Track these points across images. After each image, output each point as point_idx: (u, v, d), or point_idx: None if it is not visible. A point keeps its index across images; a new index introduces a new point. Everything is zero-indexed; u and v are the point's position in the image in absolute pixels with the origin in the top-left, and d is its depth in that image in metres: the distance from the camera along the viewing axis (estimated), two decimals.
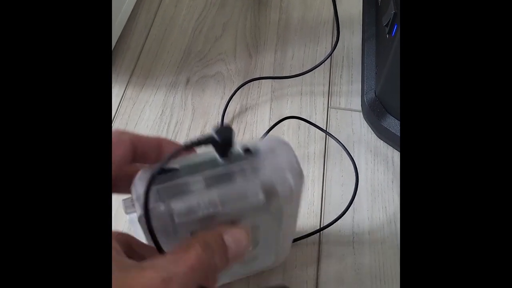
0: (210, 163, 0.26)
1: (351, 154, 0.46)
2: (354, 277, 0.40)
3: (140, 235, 0.26)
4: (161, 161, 0.23)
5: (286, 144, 0.28)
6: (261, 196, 0.26)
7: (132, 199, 0.25)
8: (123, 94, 0.51)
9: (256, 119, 0.50)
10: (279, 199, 0.27)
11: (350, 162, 0.45)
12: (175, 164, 0.26)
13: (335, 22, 0.50)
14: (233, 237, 0.23)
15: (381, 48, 0.48)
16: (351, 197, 0.43)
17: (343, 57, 0.55)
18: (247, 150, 0.27)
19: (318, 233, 0.42)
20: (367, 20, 0.54)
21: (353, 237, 0.42)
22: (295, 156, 0.28)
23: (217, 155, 0.26)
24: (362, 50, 0.54)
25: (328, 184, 0.45)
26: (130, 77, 0.53)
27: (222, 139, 0.25)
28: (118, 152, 0.24)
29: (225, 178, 0.26)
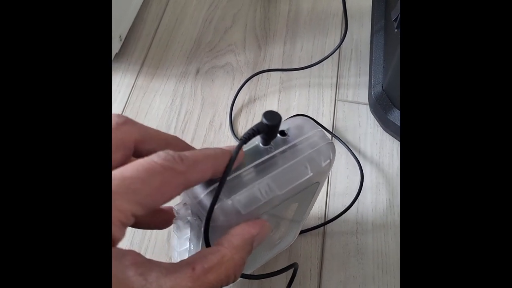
0: (252, 152, 0.27)
1: (356, 155, 0.47)
2: (357, 266, 0.41)
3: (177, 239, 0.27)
4: (227, 164, 0.24)
5: (309, 121, 0.29)
6: (310, 173, 0.27)
7: (185, 204, 0.25)
8: (134, 83, 0.52)
9: (264, 110, 0.51)
10: (321, 171, 0.28)
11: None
12: None
13: (344, 15, 0.50)
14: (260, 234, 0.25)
15: (389, 43, 0.48)
16: (356, 190, 0.44)
17: (351, 49, 0.56)
18: (281, 132, 0.28)
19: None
20: (376, 14, 0.54)
21: (357, 228, 0.43)
22: (321, 129, 0.29)
23: (258, 143, 0.27)
24: (370, 44, 0.54)
25: (333, 176, 0.46)
26: (141, 67, 0.54)
27: (273, 124, 0.25)
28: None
29: (271, 162, 0.27)
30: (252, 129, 0.25)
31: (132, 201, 0.20)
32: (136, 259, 0.21)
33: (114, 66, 0.53)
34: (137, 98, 0.51)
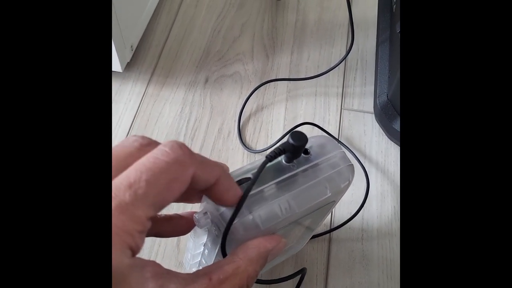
0: (275, 168, 0.27)
1: (362, 163, 0.48)
2: (362, 273, 0.42)
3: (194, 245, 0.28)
4: (250, 181, 0.25)
5: (332, 140, 0.30)
6: (329, 193, 0.28)
7: (205, 213, 0.26)
8: (144, 91, 0.53)
9: (272, 118, 0.52)
10: (339, 191, 0.29)
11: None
12: (243, 174, 0.27)
13: (350, 26, 0.51)
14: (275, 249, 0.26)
15: (394, 54, 0.49)
16: (361, 198, 0.45)
17: (357, 59, 0.57)
18: (305, 151, 0.29)
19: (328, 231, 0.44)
20: (381, 26, 0.55)
21: (362, 234, 0.44)
22: (343, 151, 0.30)
23: (281, 159, 0.28)
24: (376, 54, 0.55)
25: None
26: (151, 75, 0.55)
27: (299, 145, 0.26)
28: (174, 193, 0.22)
29: (293, 180, 0.27)
30: (278, 148, 0.26)
31: (143, 206, 0.21)
32: (156, 270, 0.22)
33: (125, 75, 0.54)
34: (148, 106, 0.52)
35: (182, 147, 0.22)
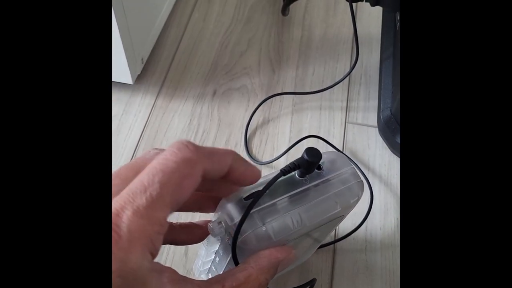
0: (288, 182, 0.28)
1: (366, 175, 0.49)
2: (365, 283, 0.43)
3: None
4: (260, 191, 0.26)
5: (343, 157, 0.31)
6: (339, 208, 0.29)
7: (219, 223, 0.27)
8: (154, 104, 0.55)
9: (278, 131, 0.53)
10: (348, 206, 0.30)
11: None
12: (258, 186, 0.28)
13: (354, 41, 0.53)
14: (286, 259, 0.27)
15: (397, 70, 0.51)
16: (365, 209, 0.46)
17: (361, 74, 0.58)
18: (318, 167, 0.29)
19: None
20: (385, 42, 0.57)
21: (366, 246, 0.45)
22: (354, 167, 0.31)
23: (294, 173, 0.29)
24: (379, 70, 0.57)
25: None
26: (160, 88, 0.56)
27: (313, 161, 0.27)
28: (188, 190, 0.23)
29: (305, 194, 0.28)
30: (293, 163, 0.27)
31: (160, 207, 0.21)
32: (173, 276, 0.23)
33: (135, 87, 0.56)
34: (157, 117, 0.54)
35: (189, 145, 0.23)
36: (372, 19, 0.64)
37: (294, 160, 0.27)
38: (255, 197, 0.26)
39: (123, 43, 0.48)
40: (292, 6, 0.63)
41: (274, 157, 0.50)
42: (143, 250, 0.21)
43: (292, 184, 0.28)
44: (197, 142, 0.51)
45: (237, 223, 0.26)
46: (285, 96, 0.56)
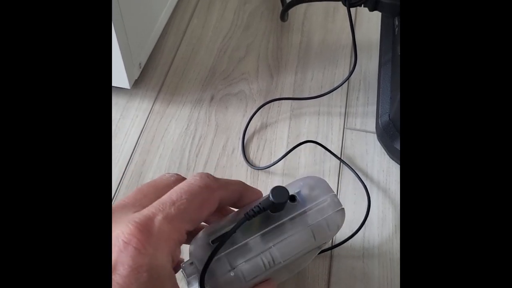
0: (261, 219, 0.28)
1: (364, 181, 0.48)
2: None
3: None
4: (225, 235, 0.27)
5: (323, 182, 0.30)
6: (314, 241, 0.28)
7: (191, 263, 0.27)
8: (151, 108, 0.55)
9: (276, 136, 0.53)
10: (326, 237, 0.29)
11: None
12: (226, 226, 0.28)
13: (353, 47, 0.53)
14: None
15: (395, 75, 0.50)
16: (363, 216, 0.46)
17: (360, 80, 0.58)
18: (291, 198, 0.29)
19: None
20: (383, 47, 0.57)
21: (363, 252, 0.44)
22: (334, 194, 0.30)
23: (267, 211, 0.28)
24: (378, 75, 0.56)
25: (342, 202, 0.47)
26: (158, 93, 0.56)
27: (279, 202, 0.27)
28: (206, 212, 0.27)
29: (279, 230, 0.28)
30: (258, 206, 0.27)
31: (183, 220, 0.25)
32: None
33: (133, 92, 0.56)
34: (154, 122, 0.54)
35: (209, 175, 0.28)
36: (371, 24, 0.64)
37: (259, 203, 0.27)
38: (219, 244, 0.26)
39: (120, 48, 0.48)
40: (291, 12, 0.63)
41: (271, 162, 0.50)
42: (168, 251, 0.23)
43: (266, 220, 0.28)
44: (195, 148, 0.51)
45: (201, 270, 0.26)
46: (283, 101, 0.56)
